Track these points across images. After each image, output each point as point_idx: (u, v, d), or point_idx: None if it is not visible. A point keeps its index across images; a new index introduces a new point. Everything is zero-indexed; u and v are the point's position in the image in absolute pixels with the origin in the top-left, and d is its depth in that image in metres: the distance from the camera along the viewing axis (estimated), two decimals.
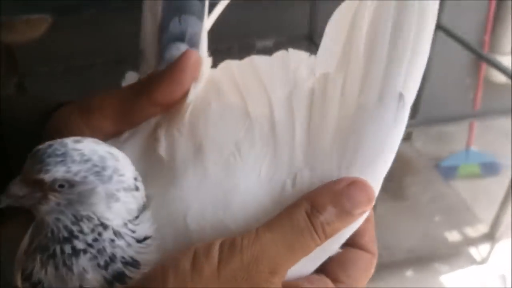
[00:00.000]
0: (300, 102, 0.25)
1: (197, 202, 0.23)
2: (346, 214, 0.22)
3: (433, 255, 1.54)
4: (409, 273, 1.53)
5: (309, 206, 0.22)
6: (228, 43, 1.47)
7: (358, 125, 0.24)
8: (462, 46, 1.46)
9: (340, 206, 0.22)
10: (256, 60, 0.27)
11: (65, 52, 1.29)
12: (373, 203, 0.23)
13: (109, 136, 0.26)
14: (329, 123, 0.24)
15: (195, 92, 0.25)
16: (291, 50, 0.27)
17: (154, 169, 0.24)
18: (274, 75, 0.26)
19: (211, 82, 0.26)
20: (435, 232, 1.57)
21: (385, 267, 1.52)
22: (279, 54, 0.27)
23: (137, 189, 0.23)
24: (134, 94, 0.25)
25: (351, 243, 0.25)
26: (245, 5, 0.83)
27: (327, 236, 0.22)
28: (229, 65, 0.27)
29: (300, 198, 0.23)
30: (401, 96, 0.24)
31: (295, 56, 0.27)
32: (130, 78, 0.29)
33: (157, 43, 0.28)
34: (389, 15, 0.25)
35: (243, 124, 0.24)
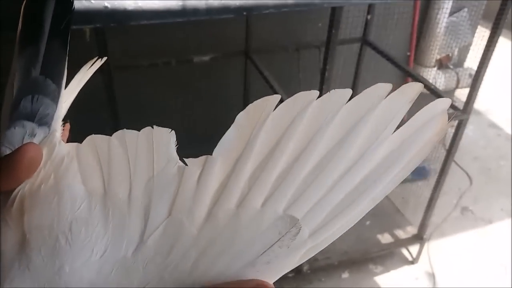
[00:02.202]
0: (167, 181, 0.24)
1: None
2: None
3: (367, 257, 1.62)
4: (345, 275, 1.60)
5: None
6: (166, 58, 1.49)
7: (235, 225, 0.23)
8: (388, 61, 1.56)
9: None
10: (126, 136, 0.25)
11: None
12: None
13: None
14: (203, 204, 0.23)
15: (28, 182, 0.24)
16: (156, 127, 0.25)
17: None
18: (141, 152, 0.25)
19: (60, 161, 0.25)
20: (368, 235, 1.65)
21: (322, 270, 1.58)
22: (146, 131, 0.25)
23: None
24: None
25: None
26: (183, 21, 0.87)
27: None
28: (94, 141, 0.25)
29: None
30: (292, 219, 0.22)
31: (162, 134, 0.25)
32: None
33: (8, 117, 0.26)
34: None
35: (83, 203, 0.23)
